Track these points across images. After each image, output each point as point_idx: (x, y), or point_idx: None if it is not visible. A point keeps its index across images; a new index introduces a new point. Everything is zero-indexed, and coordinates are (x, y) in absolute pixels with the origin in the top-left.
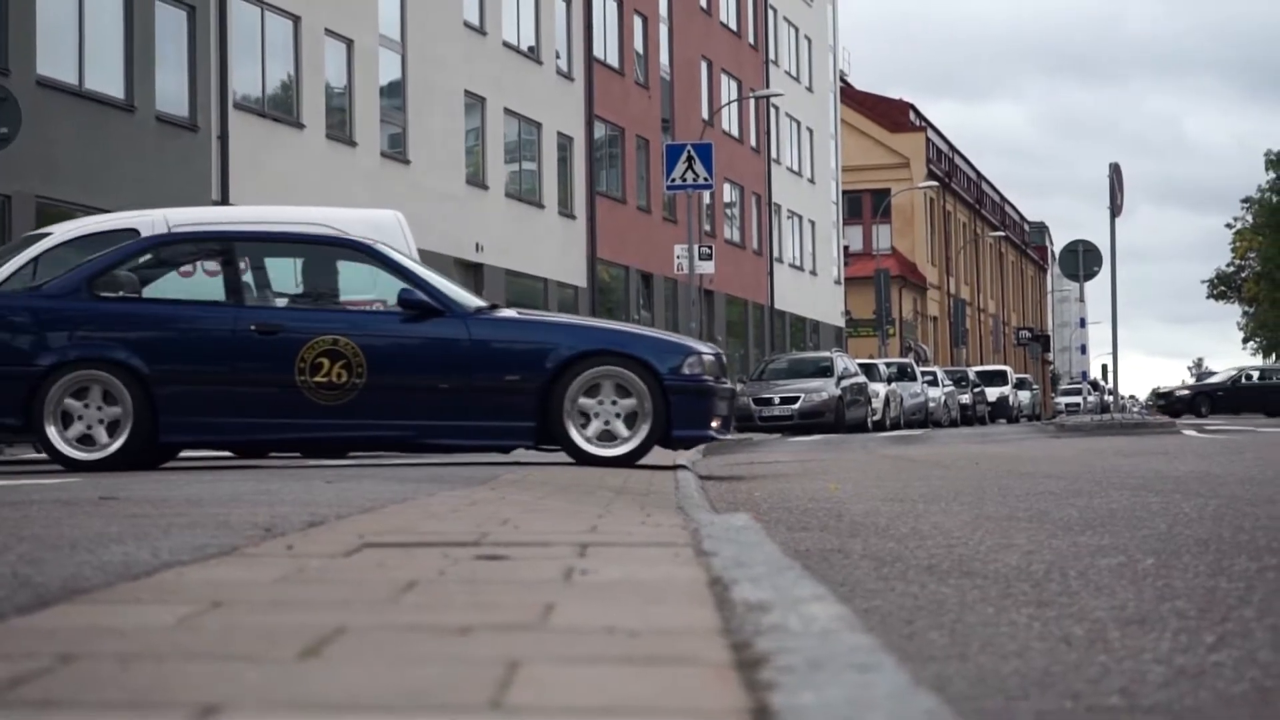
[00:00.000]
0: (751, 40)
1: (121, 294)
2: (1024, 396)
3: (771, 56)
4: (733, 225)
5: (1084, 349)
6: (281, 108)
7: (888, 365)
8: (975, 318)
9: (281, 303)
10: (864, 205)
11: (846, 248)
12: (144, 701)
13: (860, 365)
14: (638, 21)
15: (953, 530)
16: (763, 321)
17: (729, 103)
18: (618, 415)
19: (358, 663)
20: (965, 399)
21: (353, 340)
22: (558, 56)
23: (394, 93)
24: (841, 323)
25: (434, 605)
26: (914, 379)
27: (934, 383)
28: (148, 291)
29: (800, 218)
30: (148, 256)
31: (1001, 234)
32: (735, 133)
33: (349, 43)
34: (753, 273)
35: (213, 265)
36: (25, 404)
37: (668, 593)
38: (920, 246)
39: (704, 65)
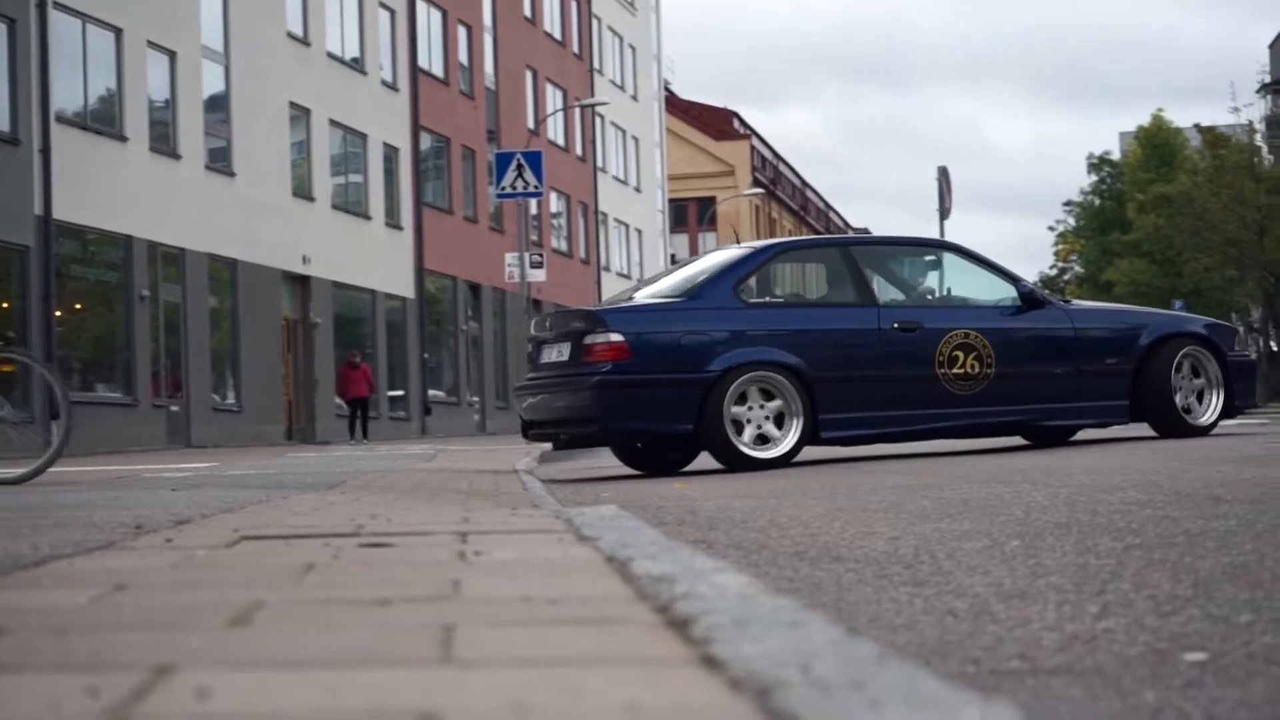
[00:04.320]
0: (576, 49)
1: (767, 299)
2: None
3: (596, 65)
4: (560, 234)
5: None
6: (104, 120)
7: None
8: None
9: (887, 300)
10: (690, 213)
11: (673, 256)
12: (97, 664)
13: None
14: (462, 31)
15: (811, 521)
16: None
17: (554, 112)
18: (1193, 391)
19: (291, 629)
20: None
21: (981, 334)
22: (382, 67)
23: (218, 105)
24: None
25: (340, 583)
26: None
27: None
28: (762, 295)
29: (627, 226)
30: (771, 262)
31: None
32: (561, 142)
33: (172, 55)
34: (580, 281)
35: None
36: (699, 410)
37: (568, 569)
38: None
39: (529, 75)
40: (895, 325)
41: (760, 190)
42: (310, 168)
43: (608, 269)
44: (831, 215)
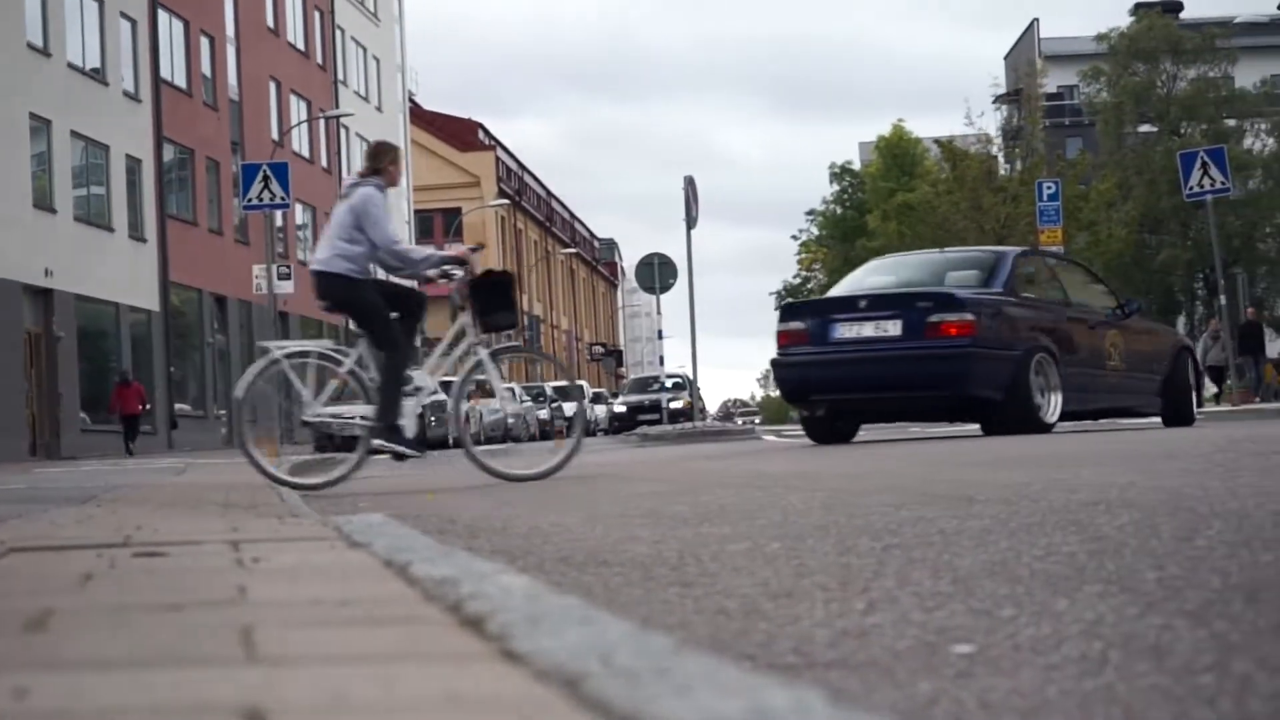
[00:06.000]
0: (320, 60)
1: (1028, 294)
2: (600, 410)
3: (340, 77)
4: (306, 246)
5: (661, 361)
6: None
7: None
8: (549, 334)
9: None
10: (436, 224)
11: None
12: None
13: (439, 383)
14: (205, 42)
15: (573, 527)
16: (339, 342)
17: (299, 123)
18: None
19: (89, 633)
20: (544, 414)
21: (1117, 333)
22: (123, 78)
23: None
24: (417, 342)
25: (126, 590)
26: (492, 395)
27: (512, 399)
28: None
29: None
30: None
31: (572, 250)
32: (306, 153)
33: None
34: None
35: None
36: (1009, 380)
37: (349, 573)
38: (493, 264)
39: (273, 85)
40: (1089, 323)
41: (506, 201)
42: (51, 179)
43: None
44: (577, 226)
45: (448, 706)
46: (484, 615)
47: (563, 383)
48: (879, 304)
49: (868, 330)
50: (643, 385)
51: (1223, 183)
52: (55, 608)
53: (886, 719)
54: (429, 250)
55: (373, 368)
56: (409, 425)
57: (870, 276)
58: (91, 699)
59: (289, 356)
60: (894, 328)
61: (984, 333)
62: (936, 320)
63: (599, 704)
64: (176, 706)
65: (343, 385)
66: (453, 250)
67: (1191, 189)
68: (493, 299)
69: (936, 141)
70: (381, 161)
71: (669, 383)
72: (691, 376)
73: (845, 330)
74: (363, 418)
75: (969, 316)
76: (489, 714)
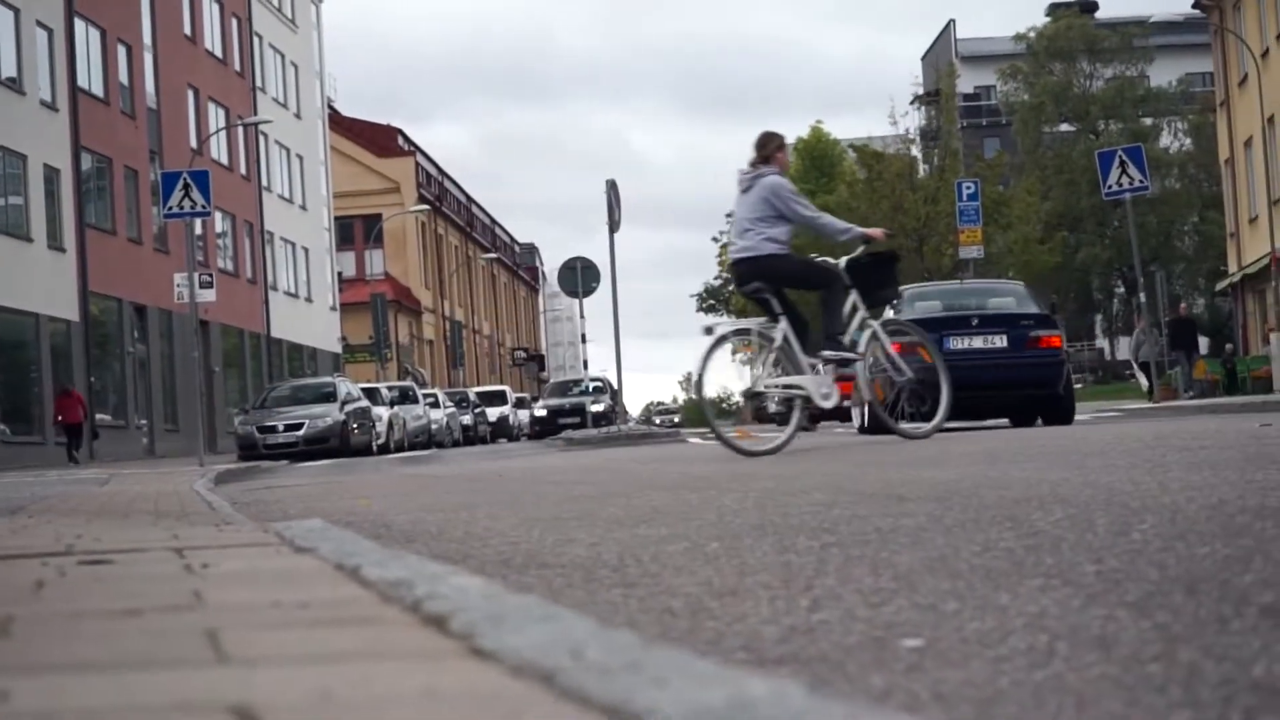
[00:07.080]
0: (238, 67)
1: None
2: (524, 415)
3: (259, 84)
4: (226, 254)
5: (585, 365)
6: None
7: (390, 389)
8: (471, 339)
9: None
10: (356, 231)
11: (340, 274)
12: None
13: (362, 390)
14: (121, 50)
15: (508, 531)
16: (260, 350)
17: (217, 131)
18: None
19: (56, 639)
20: (467, 419)
21: None
22: (40, 87)
23: None
24: (339, 349)
25: (80, 597)
26: (416, 401)
27: (435, 405)
28: None
29: (294, 245)
30: None
31: (493, 255)
32: (225, 161)
33: None
34: (248, 301)
35: None
36: (1066, 381)
37: (301, 577)
38: (414, 270)
39: (191, 93)
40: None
41: (426, 207)
42: None
43: (275, 288)
44: (498, 231)
45: (431, 701)
46: (445, 615)
47: (489, 388)
48: (989, 322)
49: (977, 342)
50: (563, 389)
51: (1141, 181)
52: (15, 615)
53: (862, 706)
54: (845, 224)
55: (795, 342)
56: (833, 396)
57: (917, 303)
58: (74, 700)
59: (735, 334)
60: (1000, 340)
61: (1063, 345)
62: (1036, 335)
63: (579, 696)
64: (162, 706)
65: (777, 358)
66: (868, 230)
67: (1110, 188)
68: (878, 276)
69: (852, 147)
70: (769, 150)
71: (590, 386)
72: (614, 380)
73: (957, 343)
74: (799, 388)
75: (1057, 331)
76: (473, 708)
